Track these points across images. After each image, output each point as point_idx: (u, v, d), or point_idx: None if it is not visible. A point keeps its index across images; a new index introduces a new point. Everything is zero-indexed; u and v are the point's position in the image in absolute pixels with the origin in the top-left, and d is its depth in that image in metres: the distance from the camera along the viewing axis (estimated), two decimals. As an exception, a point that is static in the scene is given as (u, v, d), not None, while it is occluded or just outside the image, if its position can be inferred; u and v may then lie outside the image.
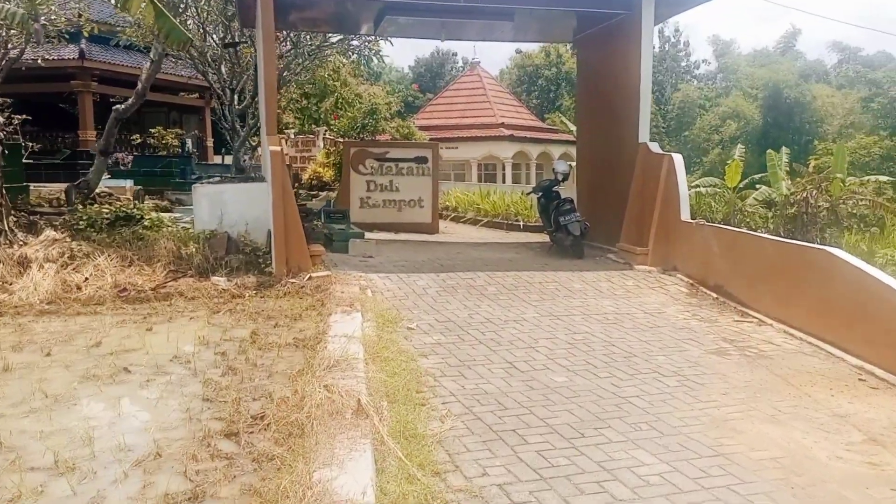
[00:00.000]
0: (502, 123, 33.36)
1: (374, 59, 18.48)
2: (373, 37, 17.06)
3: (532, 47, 55.48)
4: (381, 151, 15.09)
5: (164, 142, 26.16)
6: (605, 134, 12.40)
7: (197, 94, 28.69)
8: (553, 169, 12.50)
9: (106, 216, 9.68)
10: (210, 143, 31.41)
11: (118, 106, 12.40)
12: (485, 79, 37.10)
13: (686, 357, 6.45)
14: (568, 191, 13.33)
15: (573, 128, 28.79)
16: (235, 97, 18.24)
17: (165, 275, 9.06)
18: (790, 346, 6.84)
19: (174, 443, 4.20)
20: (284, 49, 17.04)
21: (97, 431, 4.38)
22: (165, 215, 11.39)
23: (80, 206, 10.08)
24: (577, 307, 8.32)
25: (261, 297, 8.51)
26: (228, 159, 23.45)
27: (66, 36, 17.11)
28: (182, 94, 27.92)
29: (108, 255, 9.15)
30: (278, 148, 9.00)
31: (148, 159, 19.88)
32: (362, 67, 19.61)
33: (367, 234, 13.75)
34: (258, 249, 9.73)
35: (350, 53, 18.79)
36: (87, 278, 8.72)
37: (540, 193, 12.45)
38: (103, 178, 16.86)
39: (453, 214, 18.92)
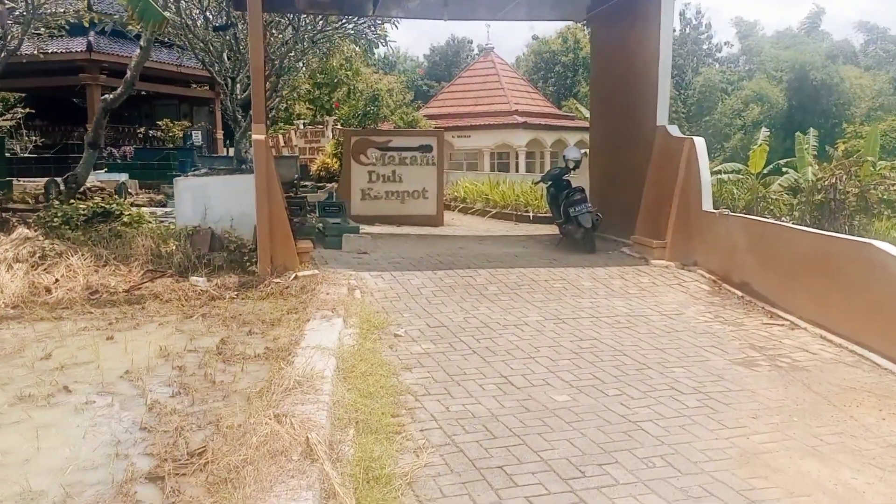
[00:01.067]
0: (516, 111, 32.45)
1: (380, 44, 17.67)
2: (376, 19, 16.29)
3: (549, 33, 54.54)
4: (383, 140, 14.33)
5: (170, 134, 25.62)
6: (621, 117, 11.55)
7: (207, 86, 28.13)
8: (563, 156, 11.68)
9: (83, 212, 9.03)
10: (220, 135, 30.87)
11: (106, 96, 11.75)
12: (498, 65, 36.16)
13: (708, 369, 5.65)
14: (580, 179, 12.50)
15: (588, 114, 27.97)
16: (237, 87, 17.59)
17: (142, 275, 8.39)
18: (828, 355, 6.01)
19: (88, 489, 3.50)
20: (285, 35, 16.31)
21: (3, 471, 3.69)
22: (149, 210, 10.75)
23: (57, 202, 9.42)
24: (585, 308, 7.53)
25: (241, 299, 7.83)
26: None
27: (67, 27, 16.59)
28: (194, 86, 27.37)
29: (83, 255, 8.50)
30: (263, 137, 8.28)
31: (149, 152, 19.30)
32: (368, 53, 18.82)
33: (368, 228, 13.06)
34: (244, 246, 9.03)
35: (355, 38, 17.99)
36: (57, 280, 8.08)
37: (549, 182, 11.65)
38: (101, 172, 16.35)
39: (461, 205, 18.13)
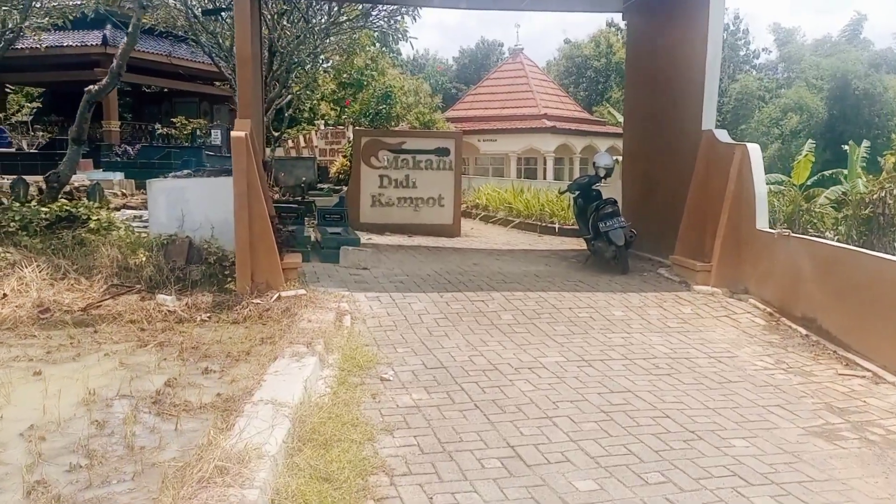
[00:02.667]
0: (545, 114, 31.13)
1: (399, 38, 16.50)
2: (394, 13, 15.17)
3: (581, 36, 53.23)
4: (396, 142, 13.18)
5: (185, 132, 24.78)
6: (660, 121, 10.26)
7: (228, 84, 27.25)
8: (593, 163, 10.41)
9: (44, 216, 7.99)
10: (240, 134, 29.94)
11: (91, 87, 10.75)
12: (528, 66, 34.87)
13: (778, 441, 4.37)
14: (611, 189, 11.23)
15: (622, 119, 26.57)
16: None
17: (104, 291, 7.32)
18: (931, 425, 4.70)
19: None
20: (297, 27, 15.27)
21: None
22: (137, 213, 9.69)
23: (17, 204, 8.39)
24: (616, 346, 6.27)
25: (214, 323, 6.73)
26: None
27: (70, 19, 15.76)
28: (217, 83, 26.48)
29: (39, 265, 7.45)
30: (242, 134, 7.16)
31: (153, 150, 18.36)
32: (386, 49, 17.70)
33: (377, 238, 11.92)
34: (225, 259, 7.90)
35: (378, 38, 16.91)
36: (5, 294, 7.02)
37: (577, 192, 10.38)
38: (97, 171, 15.44)
39: (483, 213, 16.92)
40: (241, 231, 7.18)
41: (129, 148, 21.03)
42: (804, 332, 6.62)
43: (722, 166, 8.45)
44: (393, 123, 13.06)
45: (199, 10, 13.73)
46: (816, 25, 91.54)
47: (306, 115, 25.54)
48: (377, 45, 20.16)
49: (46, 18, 16.16)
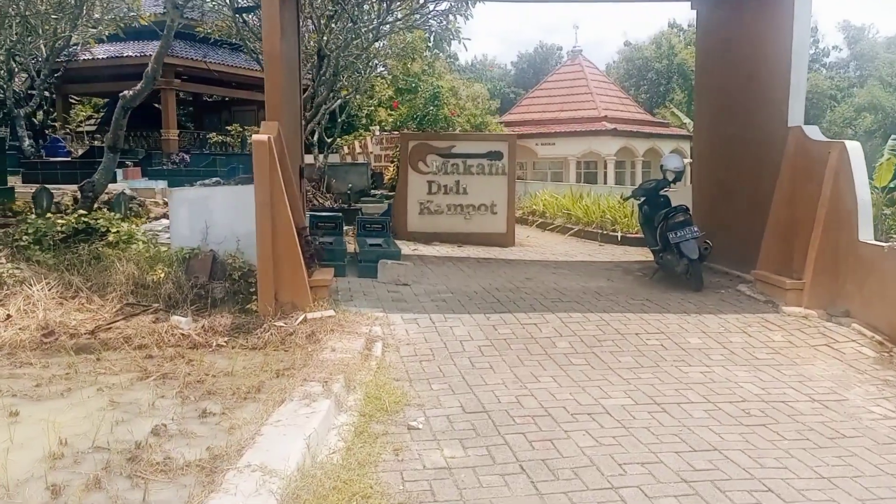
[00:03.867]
0: (605, 116, 29.86)
1: (451, 38, 15.65)
2: (447, 11, 14.37)
3: (642, 38, 51.74)
4: (445, 146, 12.32)
5: (239, 140, 24.56)
6: (736, 118, 9.12)
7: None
8: (661, 166, 9.32)
9: (60, 229, 7.41)
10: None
11: (125, 92, 10.24)
12: (587, 68, 33.62)
13: (922, 531, 3.30)
14: (680, 195, 10.11)
15: (687, 121, 25.18)
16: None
17: (117, 311, 6.67)
18: None
19: None
20: (344, 25, 14.61)
21: None
22: (158, 224, 9.09)
23: (34, 216, 7.86)
24: (695, 384, 5.23)
25: (230, 349, 5.97)
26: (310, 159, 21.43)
27: (122, 29, 15.57)
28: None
29: (49, 282, 6.85)
30: (265, 137, 6.41)
31: (201, 158, 18.02)
32: (434, 49, 16.92)
33: (424, 249, 11.10)
34: (250, 274, 7.15)
35: (423, 31, 16.09)
36: (9, 315, 6.44)
37: (642, 198, 9.32)
38: (141, 179, 15.07)
39: (539, 220, 15.92)
40: (262, 246, 6.43)
41: (185, 156, 20.86)
42: (928, 368, 5.46)
43: (814, 168, 7.30)
44: (441, 126, 12.19)
45: (236, 6, 13.14)
46: (889, 23, 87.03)
47: (364, 120, 25.00)
48: (430, 47, 19.42)
49: (97, 28, 16.07)
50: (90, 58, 21.76)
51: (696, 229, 8.03)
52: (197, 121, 30.89)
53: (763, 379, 5.39)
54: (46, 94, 20.80)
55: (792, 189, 7.71)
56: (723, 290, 8.07)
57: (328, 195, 18.53)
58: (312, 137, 21.05)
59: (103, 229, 7.50)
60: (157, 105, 25.27)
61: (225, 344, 6.11)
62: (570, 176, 29.56)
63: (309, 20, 14.42)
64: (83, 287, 6.88)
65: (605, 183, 28.39)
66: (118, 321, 6.48)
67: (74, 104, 27.64)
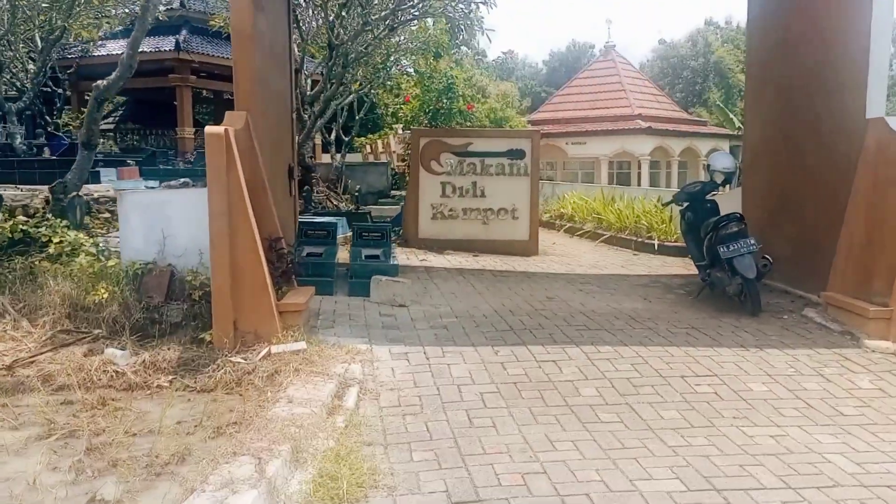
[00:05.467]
0: (639, 114, 28.35)
1: (475, 27, 14.37)
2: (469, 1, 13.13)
3: (676, 36, 50.32)
4: (461, 143, 11.05)
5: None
6: (799, 111, 7.73)
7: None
8: (707, 166, 7.95)
9: (-5, 239, 6.33)
10: (318, 140, 28.68)
11: (99, 82, 9.16)
12: (620, 64, 32.12)
13: None
14: (727, 200, 8.71)
15: (731, 116, 23.61)
16: (303, 78, 14.93)
17: (47, 339, 5.54)
18: None
19: None
20: (352, 17, 13.45)
21: None
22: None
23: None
24: (766, 457, 3.90)
25: (173, 391, 4.80)
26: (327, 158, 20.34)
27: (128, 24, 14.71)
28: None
29: (-27, 303, 5.76)
30: (220, 130, 5.22)
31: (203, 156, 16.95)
32: (454, 40, 15.70)
33: (433, 259, 9.85)
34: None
35: (444, 20, 14.87)
36: (-85, 344, 5.35)
37: (685, 204, 7.96)
38: (134, 181, 14.06)
39: (567, 225, 14.56)
40: (218, 264, 5.25)
41: (183, 156, 19.90)
42: None
43: (904, 168, 5.90)
44: (455, 122, 10.93)
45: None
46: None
47: (388, 119, 23.84)
48: (453, 40, 18.18)
49: (98, 20, 15.16)
50: (104, 53, 20.95)
51: (752, 242, 6.66)
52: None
53: (856, 448, 4.04)
54: (59, 90, 20.09)
55: (872, 193, 6.30)
56: (785, 316, 6.69)
57: (345, 196, 17.42)
58: (329, 136, 19.99)
59: (44, 239, 6.37)
60: (175, 103, 24.46)
61: (167, 385, 4.93)
62: (602, 177, 28.13)
63: (321, 11, 13.33)
64: (11, 309, 5.77)
65: (639, 185, 26.89)
66: (44, 353, 5.35)
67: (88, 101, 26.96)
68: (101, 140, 22.41)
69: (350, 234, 9.26)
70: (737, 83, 45.53)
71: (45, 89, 18.26)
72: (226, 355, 5.15)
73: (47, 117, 19.92)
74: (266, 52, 6.78)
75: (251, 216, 5.34)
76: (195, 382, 4.94)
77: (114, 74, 9.23)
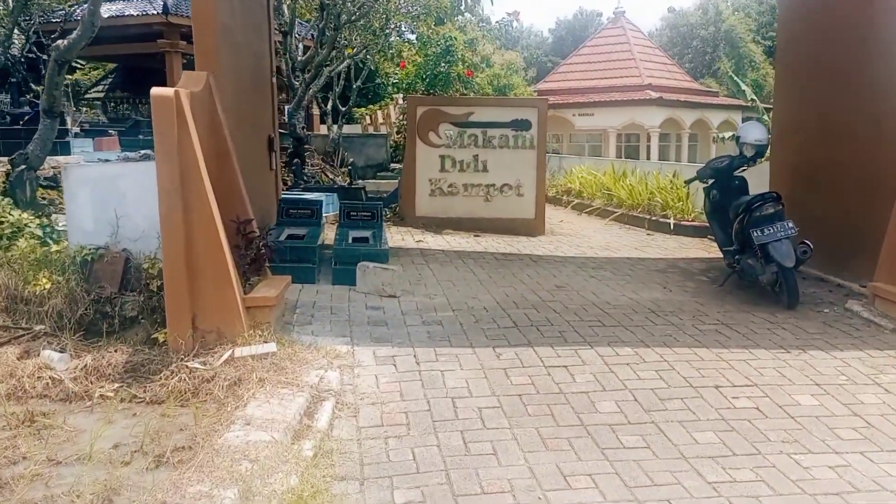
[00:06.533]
0: (649, 84, 27.31)
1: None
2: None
3: (686, 4, 49.07)
4: (461, 113, 10.20)
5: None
6: (839, 78, 6.87)
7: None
8: (736, 138, 7.08)
9: (-72, 220, 5.56)
10: (316, 111, 27.65)
11: (59, 42, 8.28)
12: (630, 32, 30.97)
13: None
14: (752, 178, 7.86)
15: (743, 87, 22.52)
16: (295, 42, 14.03)
17: (-22, 337, 4.79)
18: None
19: None
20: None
21: None
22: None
23: None
24: (826, 497, 3.15)
25: (116, 403, 4.07)
26: (326, 129, 19.39)
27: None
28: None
29: None
30: (169, 92, 4.42)
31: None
32: (456, 7, 14.75)
33: (431, 240, 9.07)
34: (177, 284, 5.21)
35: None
36: None
37: (710, 181, 7.13)
38: (108, 150, 13.23)
39: (575, 201, 13.76)
40: (170, 251, 4.47)
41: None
42: None
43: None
44: (455, 89, 10.03)
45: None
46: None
47: (390, 89, 22.85)
48: (456, 4, 17.15)
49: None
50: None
51: (790, 225, 5.85)
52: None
53: (939, 486, 3.29)
54: (44, 56, 19.19)
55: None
56: (826, 309, 5.91)
57: (342, 170, 16.59)
58: (326, 105, 19.06)
59: (-20, 219, 5.61)
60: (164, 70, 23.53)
61: (112, 395, 4.19)
62: (610, 150, 27.19)
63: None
64: (-59, 302, 5.03)
65: (648, 157, 25.96)
66: (-25, 354, 4.61)
67: (81, 69, 25.99)
68: (87, 109, 21.55)
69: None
70: (748, 53, 44.26)
71: (29, 55, 17.37)
72: (182, 359, 4.40)
73: (32, 84, 19.04)
74: (235, 4, 5.95)
75: (209, 194, 4.55)
76: (144, 392, 4.19)
77: (74, 34, 8.35)
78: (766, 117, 21.15)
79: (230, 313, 4.60)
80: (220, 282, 4.58)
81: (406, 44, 21.06)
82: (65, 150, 10.11)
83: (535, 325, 5.32)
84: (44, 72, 19.93)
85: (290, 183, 12.61)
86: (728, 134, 23.73)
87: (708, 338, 5.15)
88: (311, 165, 15.87)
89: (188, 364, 4.35)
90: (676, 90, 28.35)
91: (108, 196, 5.39)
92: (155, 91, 4.43)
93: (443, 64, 10.03)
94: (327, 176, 15.89)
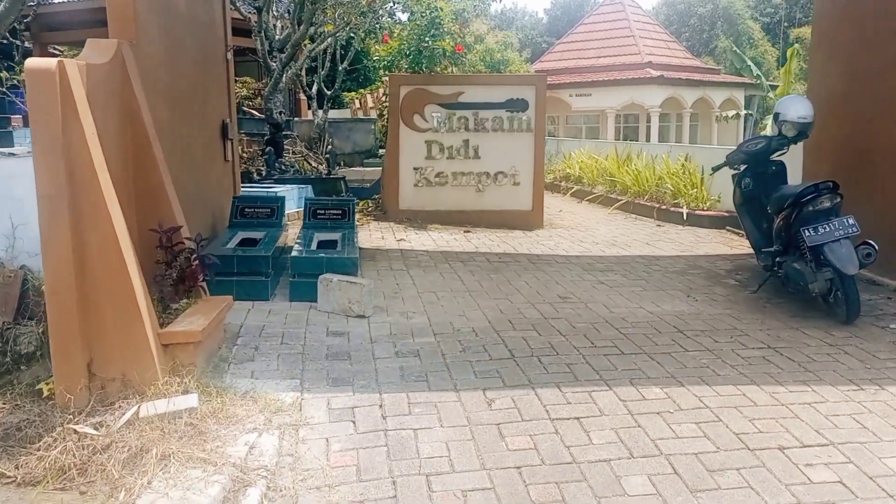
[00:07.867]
0: (649, 62, 26.08)
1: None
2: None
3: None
4: (450, 93, 9.07)
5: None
6: (889, 49, 5.75)
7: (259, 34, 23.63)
8: (775, 115, 5.95)
9: None
10: (302, 96, 26.39)
11: (-17, 17, 7.16)
12: (629, 8, 29.69)
13: None
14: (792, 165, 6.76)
15: (748, 63, 21.35)
16: (271, 19, 12.88)
17: None
18: None
19: None
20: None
21: None
22: None
23: None
24: None
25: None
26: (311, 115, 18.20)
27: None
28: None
29: None
30: (48, 64, 3.31)
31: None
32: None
33: (414, 238, 8.00)
34: (88, 309, 4.11)
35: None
36: None
37: (742, 167, 6.03)
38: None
39: (575, 188, 12.68)
40: (55, 278, 3.36)
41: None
42: None
43: None
44: (442, 67, 8.90)
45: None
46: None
47: (381, 71, 21.63)
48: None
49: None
50: (63, 0, 18.89)
51: (851, 223, 4.75)
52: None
53: None
54: (17, 42, 17.99)
55: None
56: (893, 324, 4.84)
57: (326, 157, 15.48)
58: (311, 90, 17.87)
59: None
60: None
61: (-30, 472, 3.11)
62: (609, 131, 26.02)
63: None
64: None
65: (648, 139, 24.79)
66: None
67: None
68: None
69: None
70: (746, 29, 43.04)
71: (2, 42, 16.18)
72: (70, 419, 3.32)
73: (5, 72, 17.82)
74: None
75: (109, 198, 3.44)
76: (16, 469, 3.11)
77: (3, 4, 7.23)
78: (770, 94, 20.04)
79: (139, 355, 3.50)
80: (124, 314, 3.48)
81: (399, 25, 19.81)
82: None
83: (536, 355, 4.23)
84: (17, 57, 18.70)
85: (264, 174, 11.53)
86: (731, 112, 22.59)
87: (755, 369, 4.07)
88: (293, 153, 14.77)
89: (77, 428, 3.27)
90: (678, 68, 27.12)
91: (1, 201, 4.28)
92: (30, 63, 3.32)
93: (427, 38, 8.85)
94: (310, 164, 14.78)
